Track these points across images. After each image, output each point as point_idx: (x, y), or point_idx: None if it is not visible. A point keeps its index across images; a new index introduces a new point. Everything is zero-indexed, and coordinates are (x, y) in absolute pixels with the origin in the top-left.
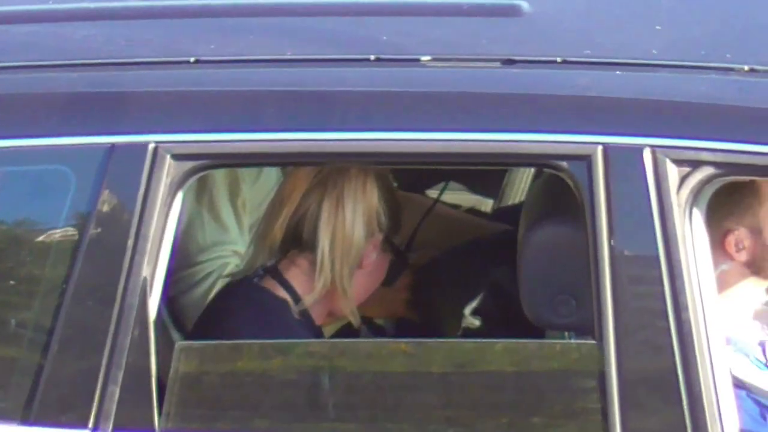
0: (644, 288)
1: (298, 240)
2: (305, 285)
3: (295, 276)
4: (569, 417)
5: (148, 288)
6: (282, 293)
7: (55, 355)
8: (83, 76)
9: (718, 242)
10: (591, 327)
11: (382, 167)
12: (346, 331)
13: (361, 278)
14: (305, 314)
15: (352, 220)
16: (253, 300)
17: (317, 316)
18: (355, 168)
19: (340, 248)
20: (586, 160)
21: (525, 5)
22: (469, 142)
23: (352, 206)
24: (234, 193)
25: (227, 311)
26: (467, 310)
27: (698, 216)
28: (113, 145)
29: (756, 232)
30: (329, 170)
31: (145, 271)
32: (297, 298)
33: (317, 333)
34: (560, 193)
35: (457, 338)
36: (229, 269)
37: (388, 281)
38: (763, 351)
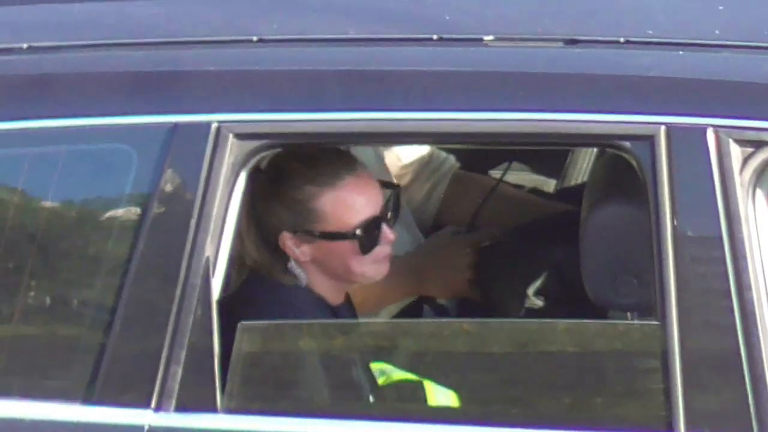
0: (707, 268)
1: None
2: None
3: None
4: (631, 397)
5: (210, 268)
6: (290, 281)
7: (118, 335)
8: (147, 55)
9: None
10: (653, 307)
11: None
12: (409, 311)
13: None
14: (317, 297)
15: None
16: (265, 288)
17: (331, 298)
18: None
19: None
20: (649, 140)
21: None
22: (532, 122)
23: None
24: None
25: (242, 300)
26: (530, 291)
27: (761, 196)
28: (176, 125)
29: None
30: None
31: (208, 251)
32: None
33: (335, 313)
34: (623, 173)
35: (520, 318)
36: None
37: (370, 247)
38: None
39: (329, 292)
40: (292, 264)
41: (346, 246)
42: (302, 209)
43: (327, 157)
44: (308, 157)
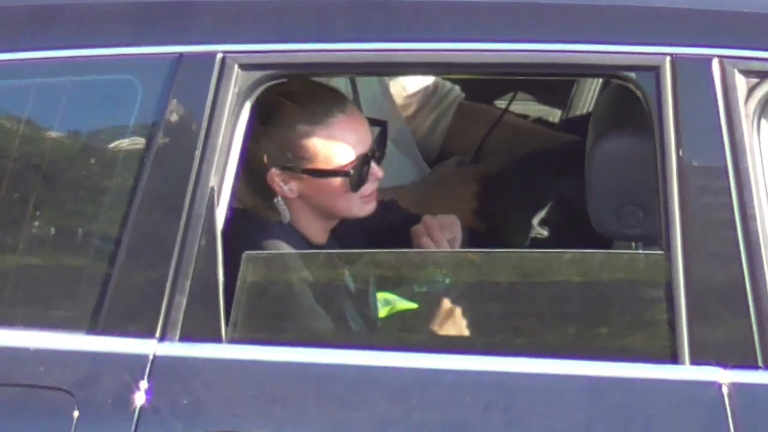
0: (712, 199)
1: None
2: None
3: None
4: (636, 327)
5: (215, 198)
6: (273, 217)
7: (123, 265)
8: None
9: None
10: (658, 238)
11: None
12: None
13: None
14: (300, 235)
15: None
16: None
17: (312, 235)
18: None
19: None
20: (654, 70)
21: None
22: (538, 53)
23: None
24: None
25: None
26: (535, 221)
27: (766, 127)
28: (181, 55)
29: None
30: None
31: (213, 181)
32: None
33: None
34: (628, 104)
35: (525, 248)
36: None
37: (359, 184)
38: None
39: (313, 230)
40: (278, 200)
41: (336, 183)
42: (294, 147)
43: (318, 96)
44: (299, 96)
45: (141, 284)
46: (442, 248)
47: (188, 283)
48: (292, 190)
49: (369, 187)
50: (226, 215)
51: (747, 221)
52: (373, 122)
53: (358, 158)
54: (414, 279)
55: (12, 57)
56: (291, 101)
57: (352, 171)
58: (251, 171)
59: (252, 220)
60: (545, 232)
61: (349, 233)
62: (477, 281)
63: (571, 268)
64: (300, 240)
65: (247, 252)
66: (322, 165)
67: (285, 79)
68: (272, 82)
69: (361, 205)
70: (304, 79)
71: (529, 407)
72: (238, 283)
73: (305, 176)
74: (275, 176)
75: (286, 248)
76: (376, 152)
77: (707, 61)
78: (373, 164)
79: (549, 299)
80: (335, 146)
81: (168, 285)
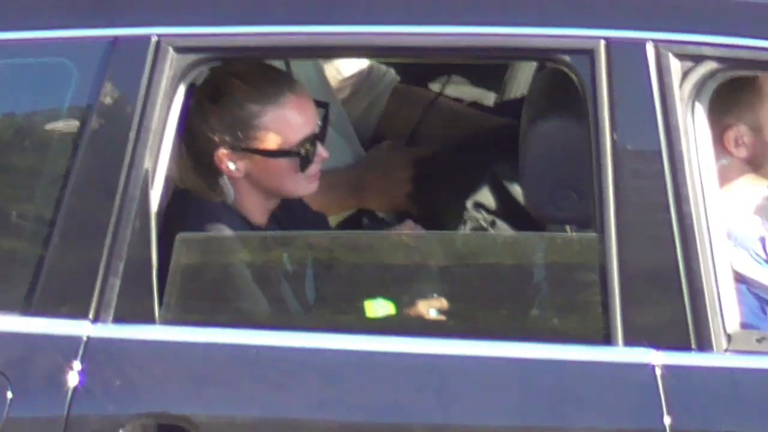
0: (646, 181)
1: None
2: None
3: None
4: (570, 310)
5: (149, 180)
6: (216, 198)
7: (56, 247)
8: None
9: (718, 138)
10: (592, 220)
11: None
12: (349, 223)
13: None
14: (241, 216)
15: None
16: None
17: (253, 216)
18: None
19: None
20: (589, 54)
21: None
22: (472, 36)
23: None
24: None
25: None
26: (469, 203)
27: (700, 110)
28: (116, 38)
29: (756, 129)
30: None
31: (147, 164)
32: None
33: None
34: (562, 87)
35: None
36: None
37: (307, 164)
38: (763, 246)
39: (255, 210)
40: (224, 180)
41: (284, 163)
42: (243, 127)
43: (267, 75)
44: (248, 75)
45: (74, 266)
46: None
47: (122, 265)
48: (239, 169)
49: (314, 168)
50: (165, 196)
51: (681, 204)
52: (317, 104)
53: (306, 138)
54: (348, 260)
55: None
56: (241, 81)
57: (302, 151)
58: (196, 150)
59: (192, 200)
60: (479, 215)
61: (289, 217)
62: (410, 263)
63: (505, 250)
64: (241, 220)
65: (180, 233)
66: (271, 145)
67: (219, 63)
68: (206, 65)
69: (306, 184)
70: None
71: (462, 389)
72: (171, 264)
73: (255, 156)
74: (223, 156)
75: (226, 229)
76: (322, 132)
77: (642, 44)
78: (318, 145)
79: (482, 281)
80: (285, 126)
81: (102, 267)
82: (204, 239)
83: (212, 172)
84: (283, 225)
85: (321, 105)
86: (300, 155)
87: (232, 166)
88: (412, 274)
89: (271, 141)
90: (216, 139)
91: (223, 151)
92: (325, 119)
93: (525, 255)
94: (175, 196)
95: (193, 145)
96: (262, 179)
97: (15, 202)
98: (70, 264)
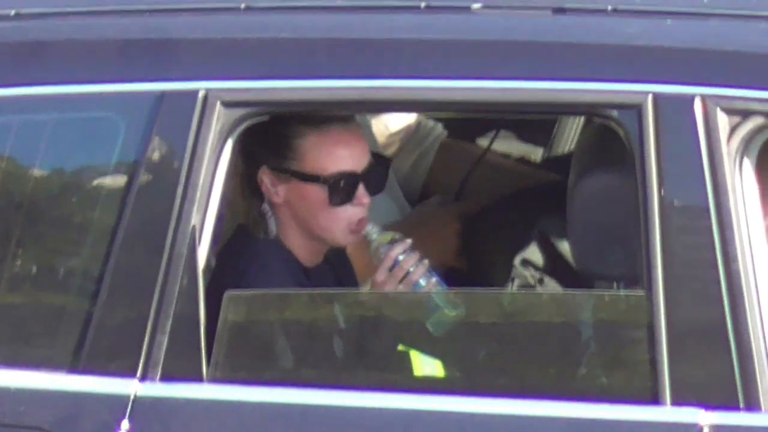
0: (694, 238)
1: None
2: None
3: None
4: (618, 368)
5: (197, 236)
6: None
7: (104, 304)
8: (134, 22)
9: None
10: (640, 277)
11: None
12: None
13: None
14: (290, 255)
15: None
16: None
17: (301, 254)
18: None
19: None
20: (637, 108)
21: None
22: (520, 91)
23: None
24: None
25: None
26: (517, 260)
27: (748, 166)
28: (163, 93)
29: None
30: None
31: (195, 220)
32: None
33: (306, 273)
34: (610, 142)
35: (506, 288)
36: None
37: (341, 201)
38: None
39: (300, 248)
40: (265, 206)
41: (317, 192)
42: (284, 144)
43: None
44: None
45: (122, 323)
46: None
47: (169, 323)
48: (279, 194)
49: (354, 212)
50: (217, 229)
51: (729, 261)
52: (378, 158)
53: (344, 173)
54: (395, 318)
55: None
56: None
57: (333, 181)
58: (244, 170)
59: (241, 237)
60: (527, 273)
61: (341, 263)
62: (458, 321)
63: (552, 307)
64: (289, 257)
65: (228, 291)
66: (307, 168)
67: (267, 117)
68: (254, 120)
69: (343, 228)
70: None
71: None
72: (220, 322)
73: (292, 180)
74: (264, 175)
75: (275, 265)
76: (369, 179)
77: (690, 99)
78: (360, 187)
79: (530, 339)
80: (324, 153)
81: (149, 324)
82: (251, 296)
83: (257, 196)
84: (337, 269)
85: (382, 161)
86: (330, 185)
87: (272, 188)
88: (460, 332)
89: (308, 165)
90: (260, 155)
91: (264, 170)
92: (379, 169)
93: (573, 313)
94: (223, 230)
95: (241, 163)
96: (298, 208)
97: (63, 258)
98: (117, 321)
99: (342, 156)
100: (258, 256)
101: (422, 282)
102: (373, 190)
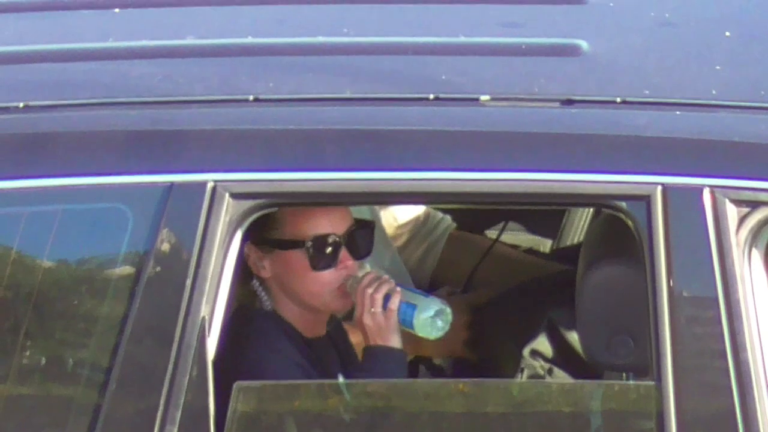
0: (703, 329)
1: None
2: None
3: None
4: None
5: (206, 327)
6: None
7: (113, 394)
8: (142, 114)
9: None
10: (649, 368)
11: None
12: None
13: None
14: (290, 327)
15: None
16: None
17: (303, 329)
18: None
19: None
20: (645, 200)
21: (584, 45)
22: (528, 182)
23: None
24: None
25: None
26: (526, 351)
27: (757, 256)
28: (172, 184)
29: None
30: None
31: (204, 311)
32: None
33: (309, 345)
34: (619, 233)
35: (515, 379)
36: None
37: (324, 265)
38: None
39: (299, 320)
40: (255, 282)
41: (299, 258)
42: (263, 215)
43: None
44: None
45: (132, 414)
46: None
47: (179, 414)
48: (266, 268)
49: (338, 275)
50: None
51: (738, 351)
52: (360, 222)
53: (323, 236)
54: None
55: (3, 185)
56: None
57: (312, 245)
58: None
59: (243, 313)
60: (536, 363)
61: (341, 338)
62: (468, 411)
63: (562, 398)
64: (288, 329)
65: (237, 382)
66: (286, 236)
67: (276, 208)
68: (263, 211)
69: (334, 296)
70: None
71: None
72: (229, 412)
73: (273, 249)
74: (251, 251)
75: (273, 336)
76: (353, 243)
77: (698, 190)
78: (344, 252)
79: (540, 430)
80: (301, 217)
81: (159, 415)
82: (260, 387)
83: (249, 273)
84: (338, 344)
85: (365, 224)
86: (310, 249)
87: (258, 263)
88: (469, 422)
89: (287, 232)
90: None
91: (249, 245)
92: (363, 233)
93: (582, 403)
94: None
95: None
96: (286, 279)
97: (72, 349)
98: (127, 412)
99: (320, 219)
100: (261, 337)
101: (403, 306)
102: (359, 253)
